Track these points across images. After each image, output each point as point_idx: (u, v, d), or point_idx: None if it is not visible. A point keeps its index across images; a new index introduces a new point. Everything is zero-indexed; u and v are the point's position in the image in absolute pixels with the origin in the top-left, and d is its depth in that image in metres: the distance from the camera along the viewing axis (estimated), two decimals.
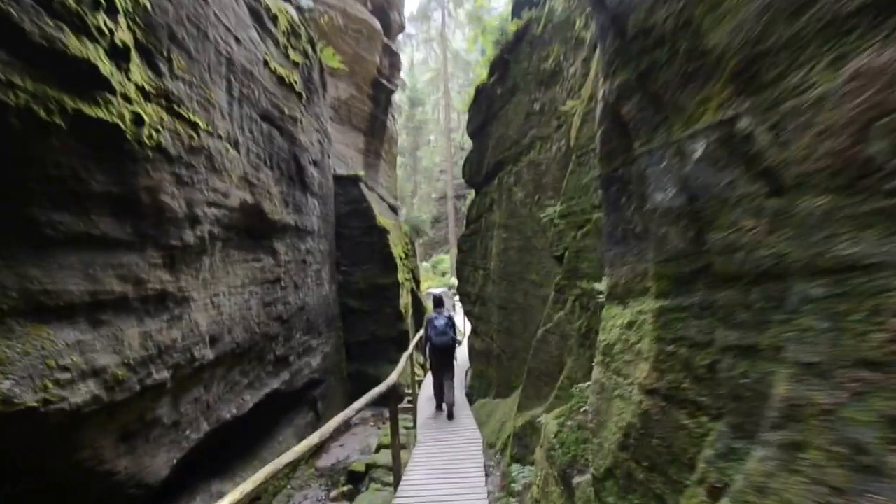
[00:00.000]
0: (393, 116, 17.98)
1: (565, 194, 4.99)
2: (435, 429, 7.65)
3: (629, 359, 2.00)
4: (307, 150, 9.08)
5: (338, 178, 12.53)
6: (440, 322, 7.68)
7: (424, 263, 37.36)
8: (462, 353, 11.53)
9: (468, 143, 34.39)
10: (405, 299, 13.66)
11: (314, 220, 9.64)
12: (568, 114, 5.56)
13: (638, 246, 2.02)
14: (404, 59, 40.34)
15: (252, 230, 7.09)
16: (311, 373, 9.22)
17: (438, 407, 8.34)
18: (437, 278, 31.84)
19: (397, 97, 39.74)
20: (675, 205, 1.67)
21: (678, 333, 1.66)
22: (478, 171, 9.75)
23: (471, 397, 8.89)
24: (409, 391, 9.50)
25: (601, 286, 3.56)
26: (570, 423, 3.53)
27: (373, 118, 15.85)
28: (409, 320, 14.11)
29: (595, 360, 2.42)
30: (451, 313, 8.38)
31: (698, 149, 1.52)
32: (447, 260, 35.55)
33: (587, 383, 3.27)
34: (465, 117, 35.04)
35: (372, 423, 11.17)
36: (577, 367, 4.17)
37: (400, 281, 13.06)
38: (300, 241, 8.81)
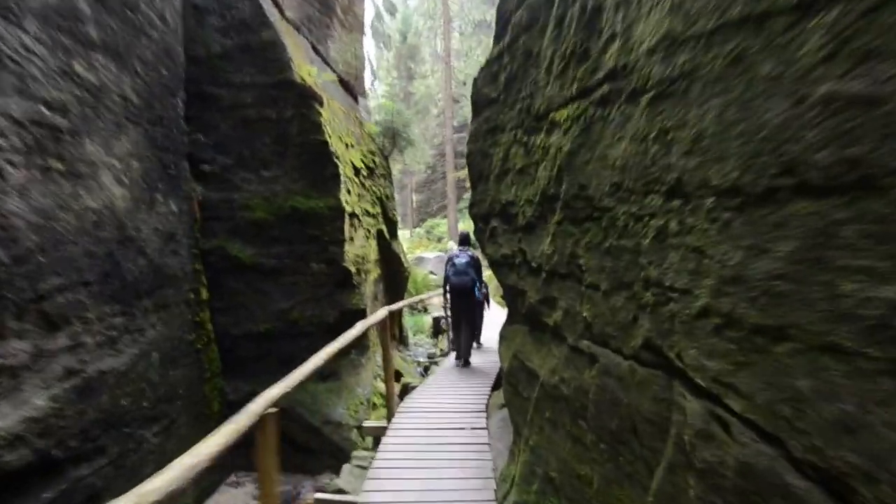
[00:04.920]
0: None
1: None
2: None
3: None
4: None
5: None
6: (461, 260, 6.59)
7: (417, 229, 30.64)
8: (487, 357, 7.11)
9: (471, 74, 27.15)
10: (360, 247, 7.08)
11: None
12: None
13: None
14: None
15: None
16: None
17: (458, 357, 6.94)
18: (431, 244, 25.15)
19: (386, 24, 32.46)
20: None
21: None
22: None
23: None
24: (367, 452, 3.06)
25: None
26: None
27: None
28: (370, 290, 7.53)
29: None
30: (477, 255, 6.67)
31: None
32: (444, 224, 28.79)
33: None
34: (467, 42, 27.77)
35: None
36: None
37: (347, 209, 6.45)
38: None
